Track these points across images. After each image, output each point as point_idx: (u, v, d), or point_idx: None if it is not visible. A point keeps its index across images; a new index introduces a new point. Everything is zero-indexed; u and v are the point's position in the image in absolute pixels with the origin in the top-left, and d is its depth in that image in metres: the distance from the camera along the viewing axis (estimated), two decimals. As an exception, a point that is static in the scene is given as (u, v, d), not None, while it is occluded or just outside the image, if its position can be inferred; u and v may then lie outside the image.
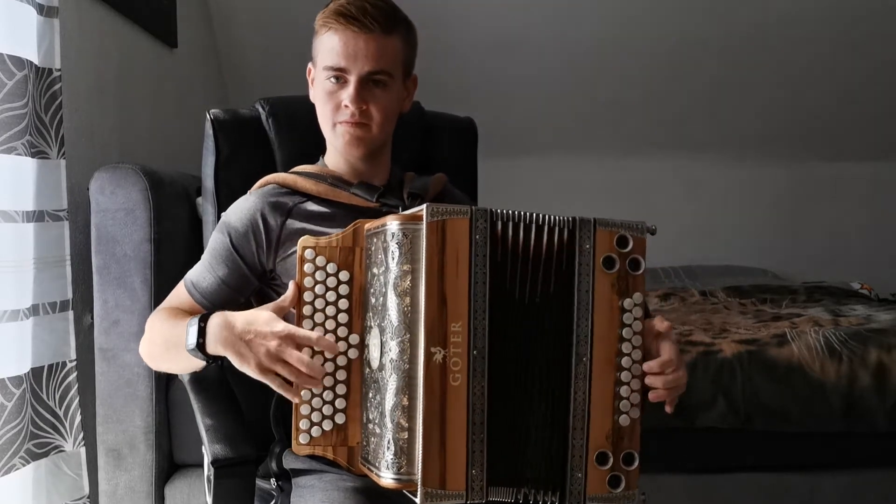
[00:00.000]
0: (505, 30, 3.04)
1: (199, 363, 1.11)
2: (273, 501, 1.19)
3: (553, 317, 1.02)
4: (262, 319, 1.03)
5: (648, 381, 1.04)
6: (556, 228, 1.02)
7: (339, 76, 1.18)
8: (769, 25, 3.07)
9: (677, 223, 3.44)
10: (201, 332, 1.06)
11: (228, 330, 1.04)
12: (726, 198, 3.62)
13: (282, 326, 1.01)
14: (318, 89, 1.22)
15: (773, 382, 1.82)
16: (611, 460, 1.02)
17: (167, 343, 1.17)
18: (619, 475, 1.02)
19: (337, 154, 1.27)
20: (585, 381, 1.01)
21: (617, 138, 3.45)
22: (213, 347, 1.06)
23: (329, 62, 1.18)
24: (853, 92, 3.31)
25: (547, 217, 1.03)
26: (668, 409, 1.09)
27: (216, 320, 1.06)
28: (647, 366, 1.04)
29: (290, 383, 1.02)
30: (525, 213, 1.02)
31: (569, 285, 1.02)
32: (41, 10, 1.38)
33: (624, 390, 1.03)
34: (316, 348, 1.02)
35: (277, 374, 1.01)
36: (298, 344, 1.01)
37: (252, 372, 1.02)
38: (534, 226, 1.02)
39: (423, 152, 1.53)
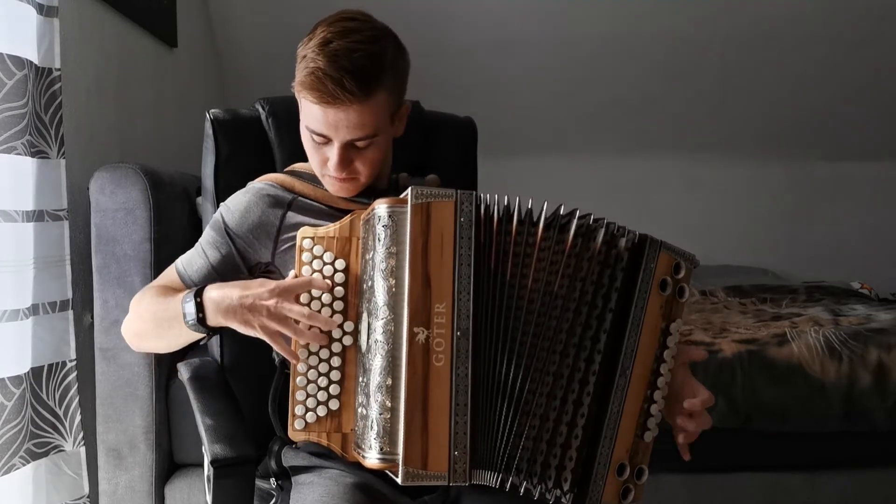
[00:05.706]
0: (505, 30, 3.04)
1: (191, 337, 1.13)
2: (273, 501, 1.19)
3: (562, 312, 1.01)
4: (255, 283, 1.06)
5: (681, 422, 1.08)
6: (577, 227, 1.02)
7: (322, 138, 1.14)
8: (769, 25, 3.07)
9: (678, 223, 3.44)
10: (199, 307, 1.08)
11: (228, 300, 1.06)
12: (727, 197, 3.61)
13: (274, 284, 1.04)
14: (304, 135, 1.18)
15: (772, 382, 1.81)
16: (627, 472, 1.03)
17: (157, 319, 1.16)
18: (630, 487, 1.04)
19: None
20: (623, 393, 1.03)
21: (617, 138, 3.45)
22: (215, 319, 1.07)
23: (311, 126, 1.13)
24: (853, 92, 3.31)
25: (564, 212, 1.03)
26: (685, 456, 1.11)
27: (213, 293, 1.08)
28: (689, 403, 1.06)
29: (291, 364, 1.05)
30: (517, 202, 1.02)
31: (624, 298, 1.03)
32: (41, 9, 1.38)
33: (653, 408, 1.05)
34: (311, 290, 1.04)
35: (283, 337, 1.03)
36: (295, 295, 1.03)
37: (259, 335, 1.04)
38: (545, 218, 1.01)
39: (422, 152, 1.53)
